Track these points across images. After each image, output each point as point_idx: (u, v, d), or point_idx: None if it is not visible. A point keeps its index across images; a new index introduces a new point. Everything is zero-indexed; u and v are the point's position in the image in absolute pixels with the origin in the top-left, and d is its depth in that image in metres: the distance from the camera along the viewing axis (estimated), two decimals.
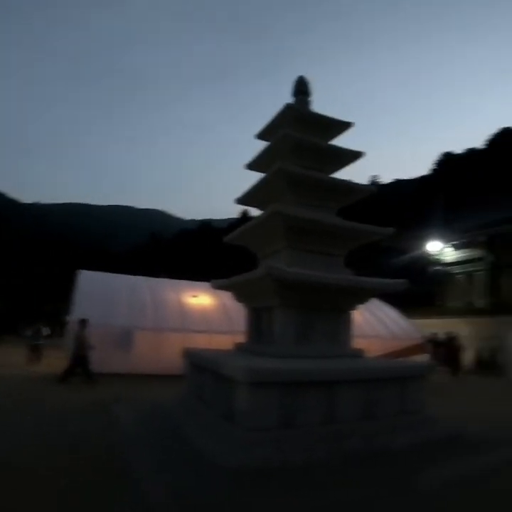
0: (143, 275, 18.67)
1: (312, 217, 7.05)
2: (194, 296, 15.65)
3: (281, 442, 5.05)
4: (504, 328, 15.58)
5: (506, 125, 54.68)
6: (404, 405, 6.23)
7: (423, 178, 60.00)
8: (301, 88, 8.38)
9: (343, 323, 7.38)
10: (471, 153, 57.01)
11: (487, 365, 16.11)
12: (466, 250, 24.83)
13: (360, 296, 7.44)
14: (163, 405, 7.82)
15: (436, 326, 19.67)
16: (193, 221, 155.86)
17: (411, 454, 5.39)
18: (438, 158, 61.51)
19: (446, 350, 17.31)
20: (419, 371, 6.66)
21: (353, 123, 8.30)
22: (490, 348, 16.19)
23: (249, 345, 7.78)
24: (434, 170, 60.01)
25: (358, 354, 7.38)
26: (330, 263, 7.46)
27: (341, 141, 8.43)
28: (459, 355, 15.83)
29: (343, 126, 8.33)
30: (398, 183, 59.56)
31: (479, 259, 24.01)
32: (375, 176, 65.38)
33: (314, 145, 7.77)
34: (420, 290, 25.46)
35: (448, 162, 58.87)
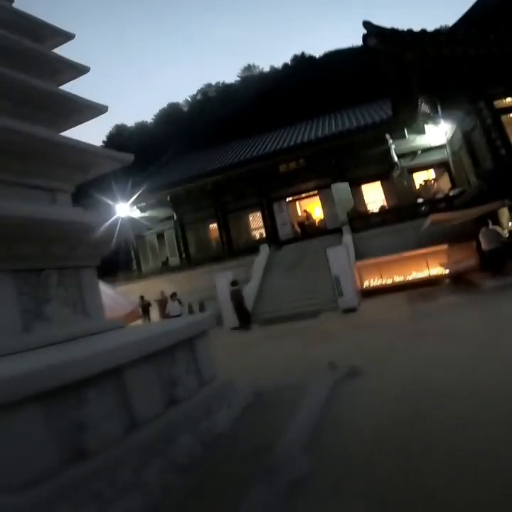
0: None
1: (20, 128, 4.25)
2: None
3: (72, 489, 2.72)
4: (206, 279, 16.24)
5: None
6: (200, 373, 4.70)
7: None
8: None
9: (89, 286, 5.00)
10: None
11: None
12: (155, 210, 25.12)
13: (105, 243, 5.18)
14: None
15: (140, 289, 18.98)
16: None
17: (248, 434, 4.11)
18: (161, 109, 62.35)
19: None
20: (205, 326, 5.07)
21: (74, 35, 5.78)
22: (197, 300, 16.69)
23: None
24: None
25: (119, 325, 5.23)
26: (52, 200, 4.96)
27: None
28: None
29: (60, 36, 5.61)
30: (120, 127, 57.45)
31: (167, 218, 24.77)
32: None
33: (23, 48, 4.86)
34: (115, 256, 24.05)
35: (172, 115, 59.77)
